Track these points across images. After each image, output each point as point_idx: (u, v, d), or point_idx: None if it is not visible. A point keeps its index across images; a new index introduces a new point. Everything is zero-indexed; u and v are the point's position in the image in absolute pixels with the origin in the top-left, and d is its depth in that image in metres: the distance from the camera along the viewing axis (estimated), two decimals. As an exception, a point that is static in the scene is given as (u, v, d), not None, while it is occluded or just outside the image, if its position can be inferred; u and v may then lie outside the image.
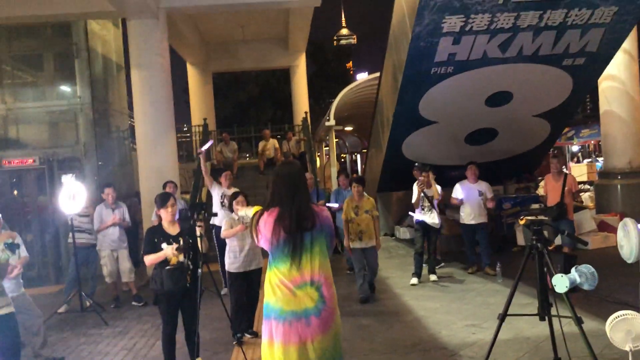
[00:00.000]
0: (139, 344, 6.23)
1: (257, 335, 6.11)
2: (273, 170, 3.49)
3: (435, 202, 8.26)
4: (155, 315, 7.23)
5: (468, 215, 8.51)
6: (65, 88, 12.57)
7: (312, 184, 8.98)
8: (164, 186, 8.37)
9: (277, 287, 3.11)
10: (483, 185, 8.55)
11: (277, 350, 3.02)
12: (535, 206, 7.28)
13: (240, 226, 5.80)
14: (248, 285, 6.07)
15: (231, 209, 6.18)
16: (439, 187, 8.36)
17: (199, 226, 5.30)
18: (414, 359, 5.09)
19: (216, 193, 7.99)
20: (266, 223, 3.15)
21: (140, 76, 10.38)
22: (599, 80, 11.07)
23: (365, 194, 7.44)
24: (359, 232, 7.25)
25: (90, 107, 11.64)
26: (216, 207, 8.00)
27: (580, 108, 27.96)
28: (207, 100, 20.83)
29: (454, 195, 8.62)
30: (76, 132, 11.76)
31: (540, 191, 8.50)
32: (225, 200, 7.77)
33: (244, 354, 5.48)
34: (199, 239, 5.15)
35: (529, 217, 3.23)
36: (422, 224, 8.21)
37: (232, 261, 5.97)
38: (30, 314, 5.36)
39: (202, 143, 13.75)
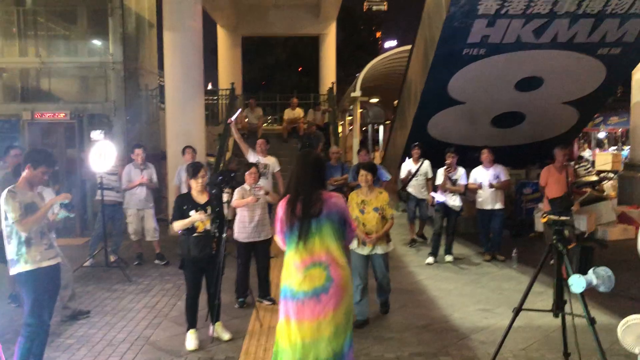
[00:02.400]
0: (160, 302, 6.47)
1: (274, 302, 6.32)
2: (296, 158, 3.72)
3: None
4: (176, 275, 7.48)
5: (483, 201, 8.44)
6: (97, 44, 12.70)
7: (338, 158, 9.03)
8: (183, 151, 8.57)
9: (291, 270, 3.41)
10: (498, 169, 8.45)
11: (293, 327, 3.32)
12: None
13: (252, 197, 5.95)
14: (257, 255, 6.29)
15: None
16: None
17: (227, 192, 5.48)
18: (426, 339, 5.24)
19: (251, 160, 8.08)
20: (280, 210, 3.53)
21: (172, 39, 10.49)
22: (632, 72, 10.90)
23: (378, 186, 5.90)
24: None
25: (122, 65, 11.77)
26: None
27: (610, 94, 27.35)
28: (235, 64, 20.87)
29: (470, 180, 8.53)
30: (106, 89, 11.92)
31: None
32: (261, 168, 8.00)
33: (259, 320, 5.70)
34: (225, 205, 5.33)
35: (552, 217, 3.30)
36: (443, 206, 8.29)
37: (240, 231, 6.15)
38: (61, 268, 5.59)
39: (229, 111, 13.91)
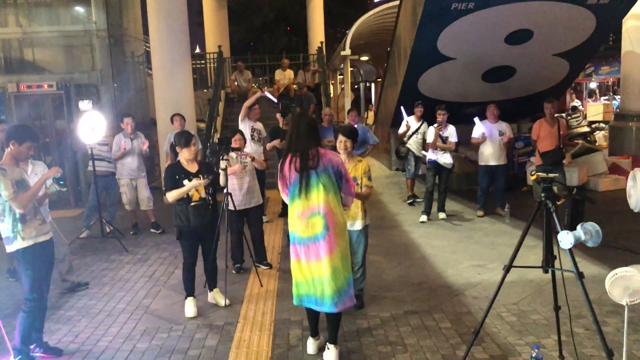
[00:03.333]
0: (158, 271, 6.54)
1: (271, 266, 6.40)
2: (289, 120, 4.03)
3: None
4: (172, 244, 7.54)
5: (488, 156, 8.36)
6: (80, 12, 12.44)
7: (330, 119, 8.94)
8: (172, 119, 8.48)
9: (295, 219, 3.92)
10: (503, 125, 8.43)
11: (304, 265, 3.92)
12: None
13: (238, 165, 5.94)
14: (249, 221, 6.34)
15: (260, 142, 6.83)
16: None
17: (226, 159, 5.49)
18: (421, 297, 5.33)
19: (247, 127, 7.88)
20: (283, 165, 3.96)
21: (156, 2, 10.35)
22: (623, 20, 10.79)
23: (364, 150, 5.59)
24: None
25: (106, 32, 11.56)
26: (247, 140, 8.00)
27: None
28: (222, 26, 20.47)
29: (474, 134, 8.43)
30: (92, 58, 11.74)
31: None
32: (255, 134, 7.99)
33: (260, 281, 5.80)
34: (222, 172, 5.35)
35: (540, 174, 3.32)
36: (434, 164, 8.31)
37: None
38: (57, 242, 5.62)
39: (218, 75, 13.84)
